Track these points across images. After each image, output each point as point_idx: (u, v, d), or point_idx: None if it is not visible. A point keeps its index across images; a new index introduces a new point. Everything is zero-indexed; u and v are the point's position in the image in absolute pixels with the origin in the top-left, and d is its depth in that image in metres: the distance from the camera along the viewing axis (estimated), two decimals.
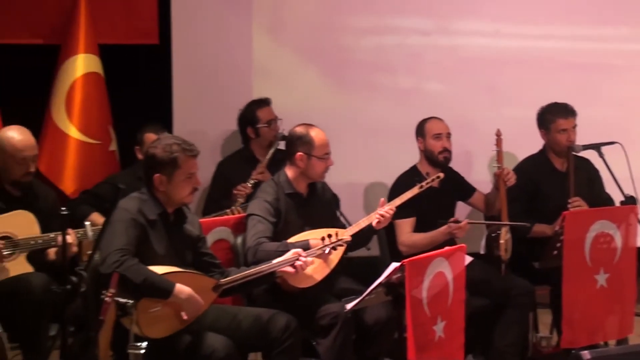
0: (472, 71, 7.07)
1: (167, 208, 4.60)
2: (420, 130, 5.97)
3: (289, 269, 4.66)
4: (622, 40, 7.27)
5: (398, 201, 5.37)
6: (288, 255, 4.69)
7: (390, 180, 6.12)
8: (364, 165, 6.87)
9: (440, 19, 7.05)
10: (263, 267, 4.67)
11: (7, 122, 5.68)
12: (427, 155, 5.94)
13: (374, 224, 5.14)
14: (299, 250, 4.73)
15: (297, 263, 4.67)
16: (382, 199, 5.28)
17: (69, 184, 6.54)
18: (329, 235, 4.91)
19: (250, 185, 6.04)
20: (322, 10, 7.04)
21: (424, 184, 5.40)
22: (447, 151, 5.95)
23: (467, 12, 7.07)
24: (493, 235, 5.72)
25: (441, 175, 5.60)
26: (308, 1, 7.03)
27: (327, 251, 4.90)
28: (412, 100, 6.94)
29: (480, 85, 7.08)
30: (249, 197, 5.89)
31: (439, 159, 5.93)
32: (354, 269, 5.42)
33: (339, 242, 4.91)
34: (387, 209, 5.18)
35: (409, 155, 6.15)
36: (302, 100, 6.66)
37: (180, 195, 4.58)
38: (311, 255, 4.83)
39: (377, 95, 7.04)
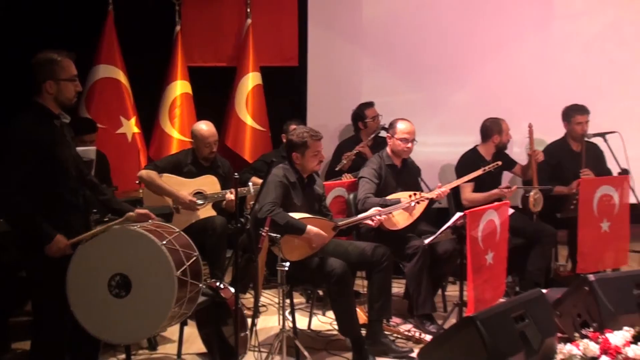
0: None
1: (303, 174, 4.64)
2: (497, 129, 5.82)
3: (369, 222, 4.68)
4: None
5: (465, 178, 5.33)
6: (372, 211, 4.70)
7: (451, 160, 6.07)
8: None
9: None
10: (362, 216, 4.69)
11: (205, 116, 5.82)
12: (500, 147, 5.83)
13: (434, 197, 5.03)
14: (378, 208, 4.74)
15: (376, 219, 4.68)
16: (439, 184, 5.11)
17: (246, 153, 6.75)
18: (414, 194, 4.93)
19: (354, 153, 6.03)
20: (401, 50, 6.99)
21: (486, 168, 5.33)
22: None
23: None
24: (526, 195, 5.63)
25: (499, 163, 5.46)
26: (391, 48, 6.99)
27: (412, 204, 4.88)
28: (471, 109, 6.69)
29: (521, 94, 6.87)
30: (353, 162, 5.97)
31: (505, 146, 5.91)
32: (430, 217, 5.40)
33: (421, 199, 4.91)
34: (446, 189, 5.06)
35: (459, 144, 6.11)
36: (393, 105, 6.59)
37: (310, 166, 4.62)
38: (400, 209, 4.85)
39: (442, 101, 6.96)
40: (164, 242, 3.59)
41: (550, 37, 6.95)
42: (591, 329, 4.23)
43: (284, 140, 5.97)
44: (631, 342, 4.10)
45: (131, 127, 6.53)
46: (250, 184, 5.41)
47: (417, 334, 4.73)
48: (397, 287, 5.43)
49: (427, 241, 4.81)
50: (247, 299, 5.37)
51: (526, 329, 3.94)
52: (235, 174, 4.17)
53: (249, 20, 6.84)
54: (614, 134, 5.78)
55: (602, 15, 6.93)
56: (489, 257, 4.65)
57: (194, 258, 3.78)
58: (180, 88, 6.67)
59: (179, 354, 4.37)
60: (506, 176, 6.07)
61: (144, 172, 5.32)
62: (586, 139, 5.92)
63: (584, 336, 4.15)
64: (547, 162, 5.83)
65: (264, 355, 4.14)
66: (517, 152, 6.45)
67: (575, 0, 6.96)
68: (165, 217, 4.91)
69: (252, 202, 5.17)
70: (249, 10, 6.85)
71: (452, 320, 4.82)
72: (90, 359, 3.84)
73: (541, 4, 6.96)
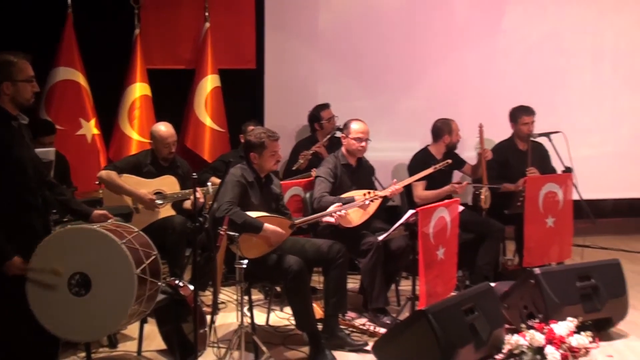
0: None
1: (260, 174, 4.61)
2: (447, 129, 5.86)
3: (330, 219, 4.68)
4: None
5: (417, 176, 5.37)
6: (332, 208, 4.70)
7: (404, 159, 6.06)
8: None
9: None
10: (318, 214, 4.71)
11: (164, 117, 5.77)
12: (450, 147, 5.86)
13: (388, 195, 5.09)
14: (339, 204, 4.74)
15: (336, 215, 4.68)
16: (394, 180, 5.21)
17: (206, 153, 6.69)
18: (368, 193, 4.95)
19: (310, 153, 6.04)
20: (355, 54, 7.04)
21: (437, 166, 5.39)
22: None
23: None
24: (477, 192, 5.69)
25: (449, 161, 5.52)
26: (346, 52, 7.04)
27: (367, 202, 4.90)
28: (423, 114, 6.69)
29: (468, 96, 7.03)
30: (309, 162, 5.97)
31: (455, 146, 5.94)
32: (384, 214, 5.41)
33: (375, 198, 4.93)
34: (399, 187, 5.15)
35: (411, 148, 6.08)
36: (347, 106, 6.61)
37: (268, 165, 4.59)
38: (355, 207, 4.86)
39: (394, 106, 7.04)
40: (124, 241, 3.54)
41: (495, 45, 7.17)
42: (537, 320, 4.31)
43: (242, 141, 5.96)
44: (574, 332, 4.19)
45: (91, 128, 6.44)
46: (209, 183, 5.38)
47: (371, 328, 4.74)
48: (352, 283, 5.43)
49: (380, 238, 4.84)
50: (207, 296, 5.33)
51: (475, 321, 4.00)
52: (194, 174, 4.14)
53: (207, 24, 6.79)
54: (558, 134, 5.87)
55: (541, 26, 7.18)
56: (440, 253, 4.70)
57: (153, 257, 3.73)
58: (139, 90, 6.58)
59: (139, 351, 4.33)
60: (456, 175, 6.12)
61: (103, 173, 5.24)
62: (532, 138, 6.01)
63: (530, 327, 4.22)
64: (495, 160, 5.90)
65: (223, 351, 4.12)
66: (468, 153, 6.51)
67: (517, 11, 7.17)
68: (124, 217, 4.87)
69: (210, 202, 5.16)
70: (207, 14, 6.80)
71: (405, 314, 4.82)
72: (50, 358, 3.76)
73: (486, 15, 7.15)
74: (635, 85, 7.34)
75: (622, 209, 8.11)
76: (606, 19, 7.24)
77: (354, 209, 4.90)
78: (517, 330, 4.26)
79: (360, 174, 5.29)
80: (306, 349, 4.42)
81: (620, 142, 7.36)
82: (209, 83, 6.72)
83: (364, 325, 4.81)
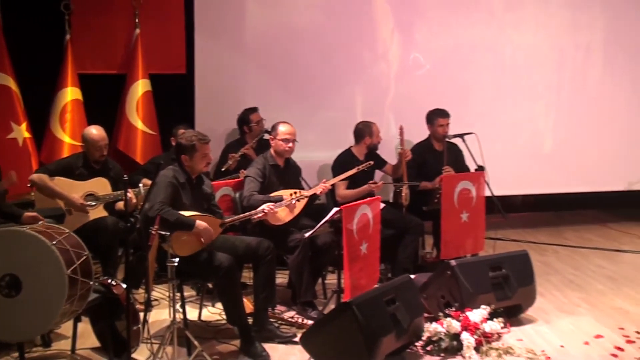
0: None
1: (192, 175, 4.56)
2: (368, 131, 5.91)
3: (261, 215, 4.66)
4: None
5: (342, 176, 5.41)
6: (263, 207, 4.69)
7: (329, 160, 6.07)
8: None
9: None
10: (247, 214, 4.68)
11: (95, 121, 5.63)
12: (371, 148, 5.91)
13: (318, 192, 5.14)
14: (270, 204, 4.73)
15: (265, 210, 4.66)
16: (325, 179, 5.27)
17: (138, 155, 6.58)
18: (295, 192, 4.97)
19: (238, 155, 6.00)
20: (280, 60, 7.04)
21: (360, 167, 5.44)
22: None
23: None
24: (397, 190, 5.77)
25: (371, 163, 5.59)
26: (272, 58, 7.01)
27: (293, 202, 4.91)
28: (344, 118, 6.88)
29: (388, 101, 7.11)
30: (238, 163, 5.93)
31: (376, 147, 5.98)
32: (310, 212, 5.42)
33: (301, 197, 4.96)
34: (328, 184, 5.20)
35: (335, 151, 6.05)
36: (274, 110, 6.56)
37: (199, 167, 4.54)
38: (283, 205, 4.86)
39: (317, 112, 7.09)
40: (54, 242, 3.46)
41: (408, 58, 7.29)
42: (453, 309, 4.41)
43: (174, 144, 5.88)
44: (488, 319, 4.31)
45: (22, 132, 6.25)
46: (140, 185, 5.29)
47: (299, 320, 4.76)
48: (281, 278, 5.43)
49: (307, 235, 4.86)
50: (140, 294, 5.23)
51: (397, 311, 4.06)
52: (125, 176, 4.07)
53: (138, 30, 6.66)
54: (471, 135, 6.01)
55: (445, 42, 7.33)
56: (363, 248, 4.74)
57: (84, 257, 3.66)
58: (70, 94, 6.43)
59: (73, 349, 4.22)
60: (378, 174, 6.20)
61: (35, 176, 5.09)
62: (447, 139, 6.12)
63: (447, 315, 4.32)
64: (414, 160, 5.99)
65: (156, 346, 4.06)
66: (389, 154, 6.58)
67: (424, 28, 7.31)
68: (57, 218, 4.75)
69: (142, 203, 5.07)
70: (137, 20, 6.68)
71: (331, 306, 4.87)
72: None
73: (400, 31, 7.25)
74: (533, 96, 7.58)
75: (530, 204, 8.40)
76: (505, 36, 7.45)
77: (282, 207, 4.90)
78: (435, 319, 4.35)
79: (288, 174, 5.29)
80: (237, 342, 4.40)
81: (524, 145, 7.55)
82: (140, 87, 6.61)
83: (292, 318, 4.82)
